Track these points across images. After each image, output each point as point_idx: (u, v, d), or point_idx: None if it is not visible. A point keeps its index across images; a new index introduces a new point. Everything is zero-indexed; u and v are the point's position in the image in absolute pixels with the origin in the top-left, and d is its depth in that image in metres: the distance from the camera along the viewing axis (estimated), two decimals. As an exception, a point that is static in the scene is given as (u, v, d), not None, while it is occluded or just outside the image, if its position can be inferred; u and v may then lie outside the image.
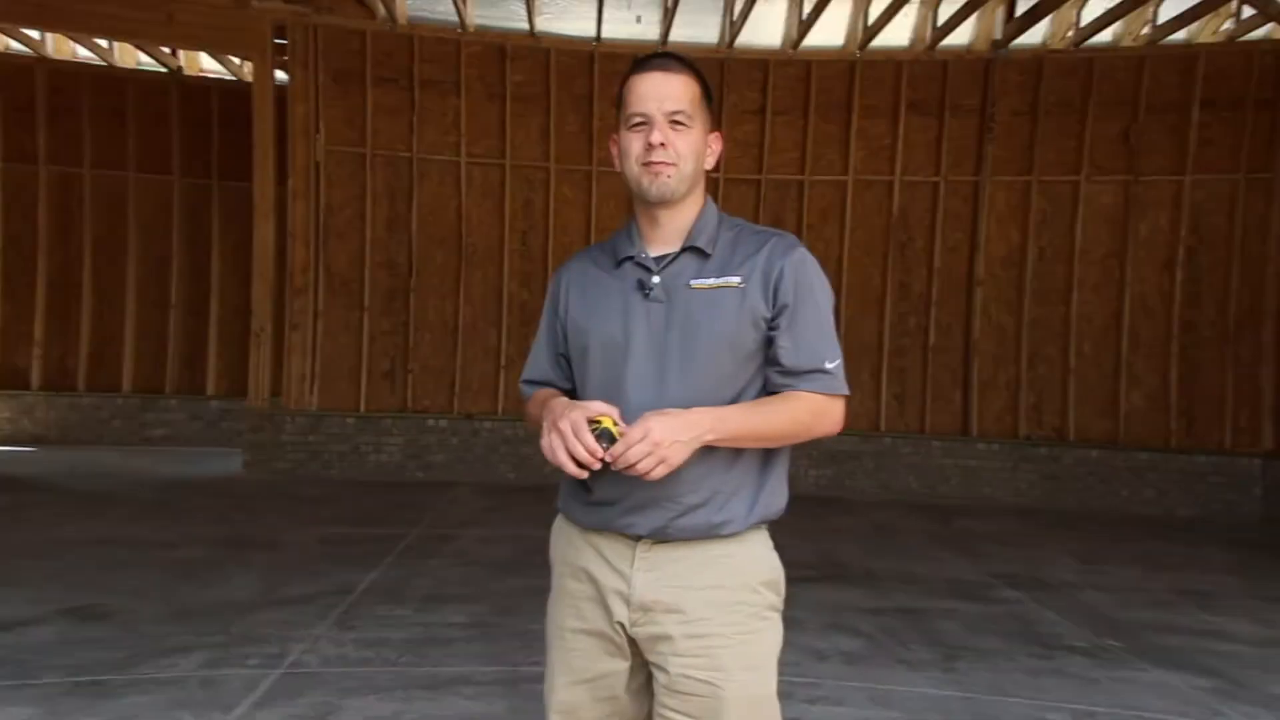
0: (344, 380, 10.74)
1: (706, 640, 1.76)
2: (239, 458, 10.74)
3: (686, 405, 1.72)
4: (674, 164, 1.79)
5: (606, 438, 1.68)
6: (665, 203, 1.82)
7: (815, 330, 1.81)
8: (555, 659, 1.88)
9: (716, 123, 1.94)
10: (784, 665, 4.03)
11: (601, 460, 1.67)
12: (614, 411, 1.71)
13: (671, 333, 1.79)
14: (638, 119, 1.81)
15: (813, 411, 1.80)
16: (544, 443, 1.71)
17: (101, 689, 3.88)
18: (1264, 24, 9.84)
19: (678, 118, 1.79)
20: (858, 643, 4.88)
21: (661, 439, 1.63)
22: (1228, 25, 10.39)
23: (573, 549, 1.88)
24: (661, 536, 1.78)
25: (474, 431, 10.76)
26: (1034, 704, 4.13)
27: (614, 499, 1.79)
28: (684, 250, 1.84)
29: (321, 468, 10.55)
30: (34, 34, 12.22)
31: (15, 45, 12.35)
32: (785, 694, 3.66)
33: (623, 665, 1.83)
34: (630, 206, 1.95)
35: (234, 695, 3.82)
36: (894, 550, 7.58)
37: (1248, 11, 9.98)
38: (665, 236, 1.86)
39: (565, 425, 1.68)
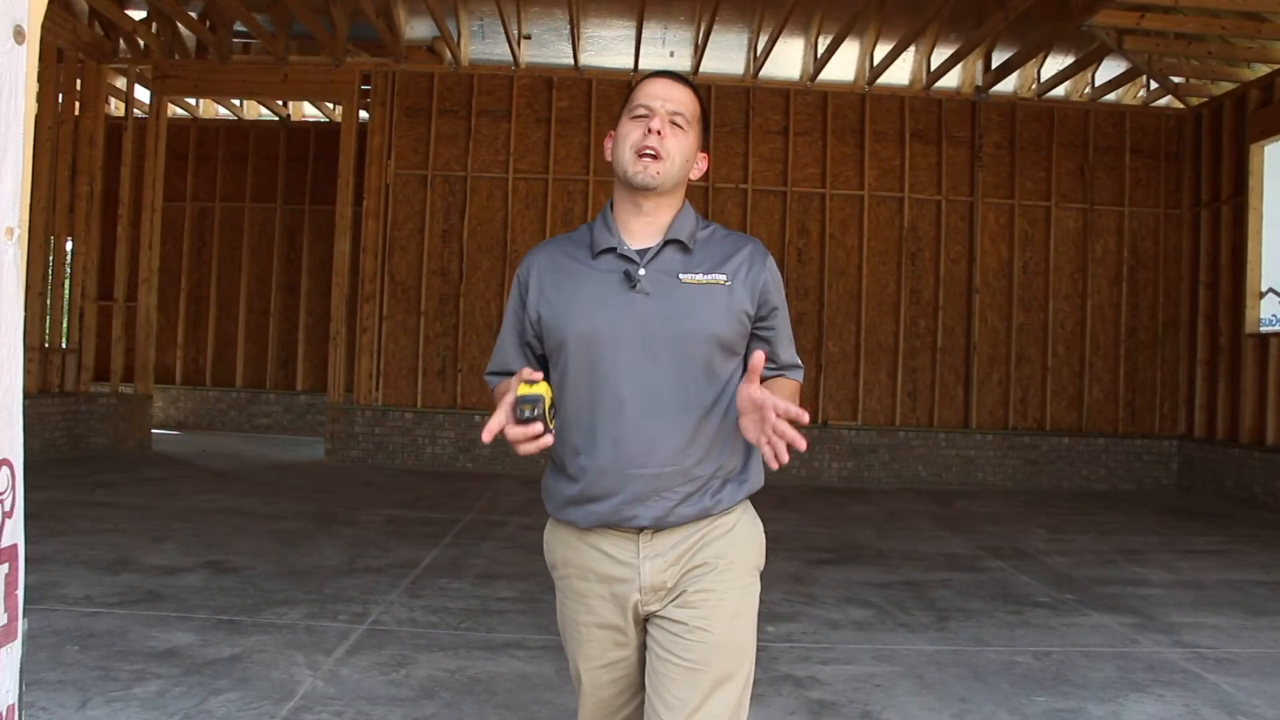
0: (404, 378, 10.91)
1: (704, 596, 1.77)
2: (322, 445, 11.16)
3: (678, 398, 1.72)
4: (664, 158, 1.76)
5: (527, 402, 1.56)
6: (647, 191, 1.77)
7: (789, 331, 1.87)
8: (573, 648, 1.87)
9: (719, 142, 2.01)
10: (802, 634, 4.66)
11: (530, 422, 1.56)
12: (530, 373, 1.60)
13: (663, 325, 1.72)
14: (641, 110, 1.79)
15: (799, 394, 1.88)
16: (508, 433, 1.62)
17: (236, 626, 4.27)
18: (1165, 95, 11.25)
19: (677, 119, 1.78)
20: (867, 612, 4.99)
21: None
22: (1143, 92, 11.42)
23: (575, 552, 1.83)
24: (663, 525, 1.75)
25: (515, 428, 10.90)
26: (1006, 649, 4.39)
27: (609, 493, 1.74)
28: (666, 244, 1.78)
29: (386, 457, 10.75)
30: (191, 100, 13.66)
31: (179, 111, 13.72)
32: (803, 657, 4.18)
33: (629, 651, 1.84)
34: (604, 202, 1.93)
35: (331, 642, 4.10)
36: (903, 532, 7.68)
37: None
38: (645, 230, 1.80)
39: (502, 415, 1.61)
